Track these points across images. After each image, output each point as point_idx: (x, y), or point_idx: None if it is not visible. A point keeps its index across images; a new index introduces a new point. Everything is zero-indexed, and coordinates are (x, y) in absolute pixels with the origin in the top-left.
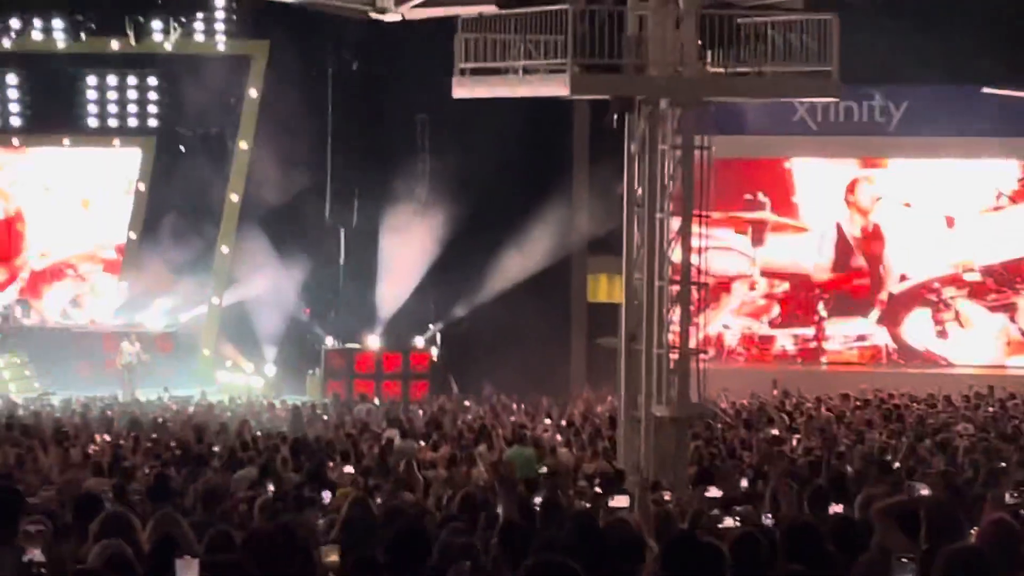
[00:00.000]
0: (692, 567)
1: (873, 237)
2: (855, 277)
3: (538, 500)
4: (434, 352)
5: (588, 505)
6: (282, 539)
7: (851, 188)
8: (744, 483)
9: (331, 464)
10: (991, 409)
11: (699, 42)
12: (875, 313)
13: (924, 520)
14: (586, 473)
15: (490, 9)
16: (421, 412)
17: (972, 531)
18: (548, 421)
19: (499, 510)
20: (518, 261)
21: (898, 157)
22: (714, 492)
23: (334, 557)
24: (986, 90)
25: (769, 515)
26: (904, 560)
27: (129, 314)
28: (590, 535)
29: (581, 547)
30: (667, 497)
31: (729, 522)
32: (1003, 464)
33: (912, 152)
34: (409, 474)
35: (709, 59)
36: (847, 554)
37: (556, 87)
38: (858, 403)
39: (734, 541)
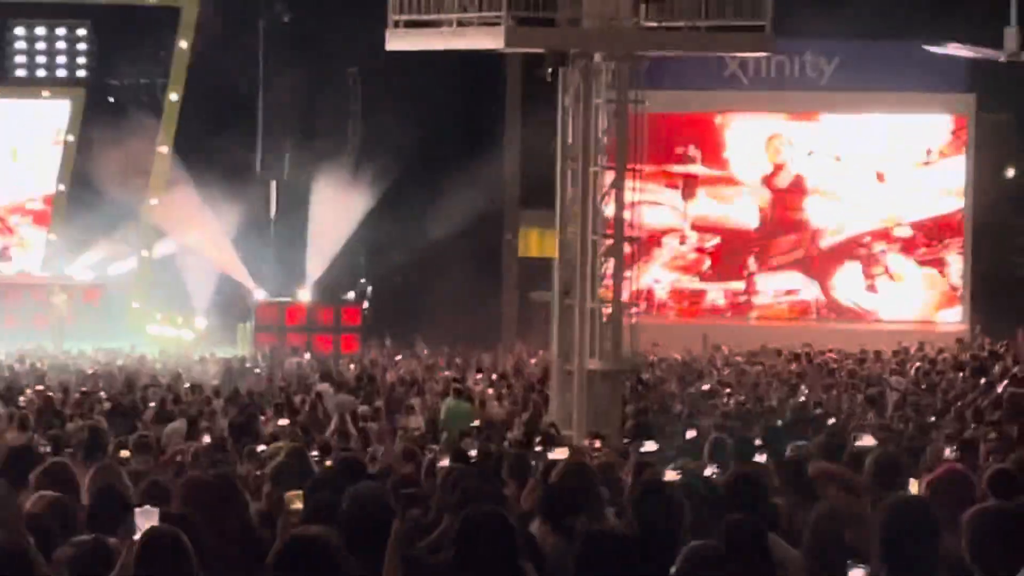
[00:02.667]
0: (660, 514)
1: (800, 192)
2: (785, 231)
3: (473, 452)
4: (365, 306)
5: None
6: (219, 489)
7: (767, 144)
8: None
9: (264, 417)
10: (919, 364)
11: None
12: (805, 267)
13: (869, 471)
14: (523, 425)
15: None
16: (352, 366)
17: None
18: (480, 375)
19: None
20: (450, 215)
21: (829, 112)
22: (650, 446)
23: (298, 504)
24: (934, 49)
25: (716, 467)
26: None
27: (57, 266)
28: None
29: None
30: (598, 447)
31: (671, 475)
32: (932, 419)
33: (843, 107)
34: (344, 427)
35: (643, 13)
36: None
37: (490, 40)
38: (789, 357)
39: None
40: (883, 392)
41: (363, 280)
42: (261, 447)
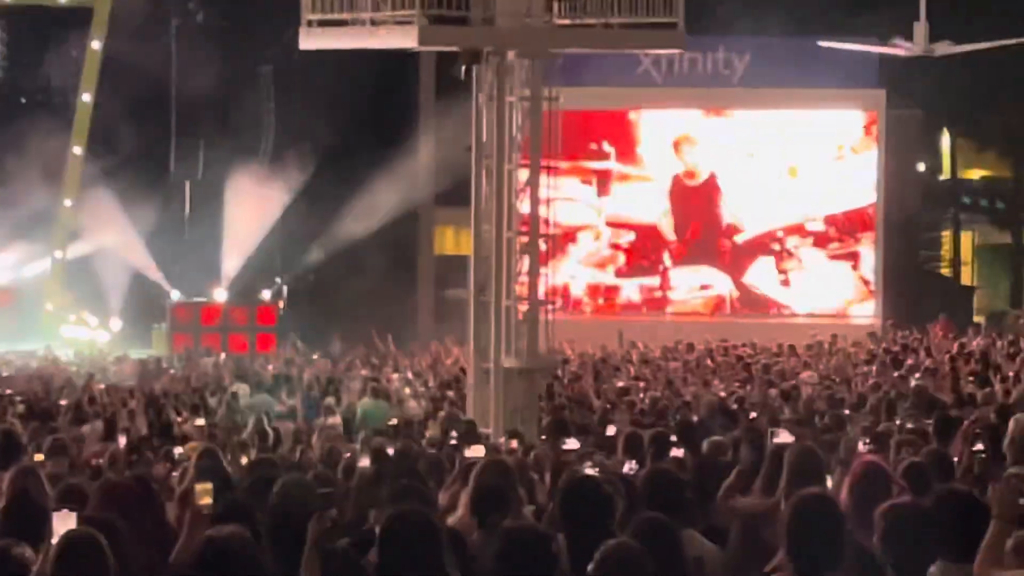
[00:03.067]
0: (588, 510)
1: (714, 188)
2: (699, 227)
3: (391, 450)
4: (281, 305)
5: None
6: (136, 491)
7: (676, 147)
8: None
9: (180, 418)
10: (833, 358)
11: None
12: (719, 262)
13: (787, 466)
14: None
15: None
16: (270, 367)
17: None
18: (396, 374)
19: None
20: (365, 213)
21: (742, 108)
22: (572, 444)
23: (207, 499)
24: (823, 43)
25: (634, 463)
26: None
27: None
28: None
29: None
30: (514, 446)
31: (589, 471)
32: (847, 412)
33: (756, 103)
34: (260, 427)
35: (556, 11)
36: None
37: (404, 39)
38: (704, 353)
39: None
40: (797, 386)
41: (279, 279)
42: (177, 448)
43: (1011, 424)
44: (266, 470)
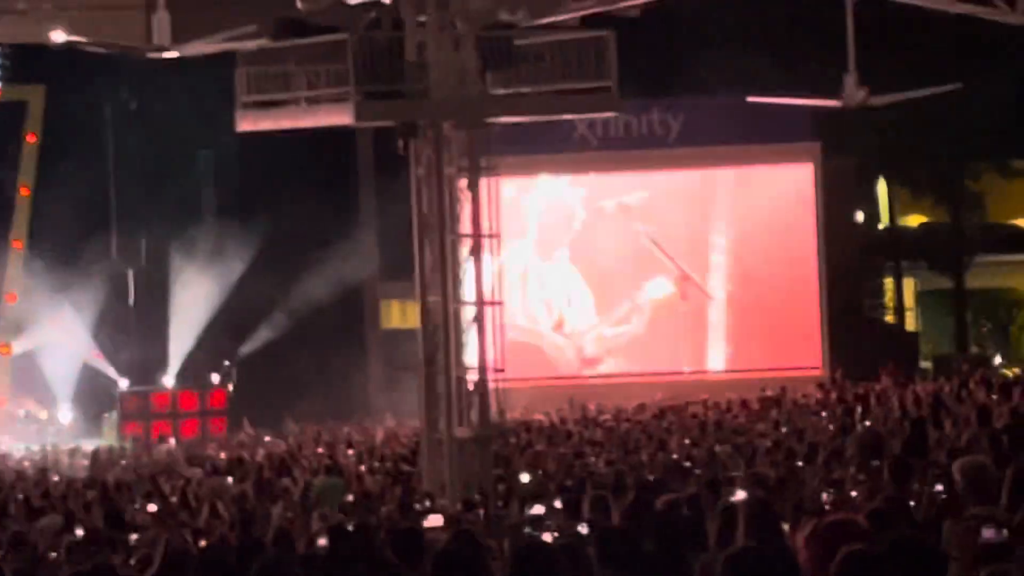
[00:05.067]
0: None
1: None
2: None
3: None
4: (231, 388)
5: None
6: None
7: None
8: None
9: (136, 505)
10: (784, 410)
11: (479, 64)
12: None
13: (743, 520)
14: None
15: (267, 42)
16: (222, 452)
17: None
18: (351, 450)
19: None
20: (311, 292)
21: (679, 168)
22: (538, 510)
23: None
24: (752, 99)
25: (585, 524)
26: None
27: None
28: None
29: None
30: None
31: (547, 536)
32: (800, 463)
33: (692, 162)
34: (216, 511)
35: (490, 80)
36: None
37: (341, 116)
38: (656, 412)
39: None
40: (751, 441)
41: (227, 362)
42: (133, 536)
43: (958, 464)
44: (222, 553)
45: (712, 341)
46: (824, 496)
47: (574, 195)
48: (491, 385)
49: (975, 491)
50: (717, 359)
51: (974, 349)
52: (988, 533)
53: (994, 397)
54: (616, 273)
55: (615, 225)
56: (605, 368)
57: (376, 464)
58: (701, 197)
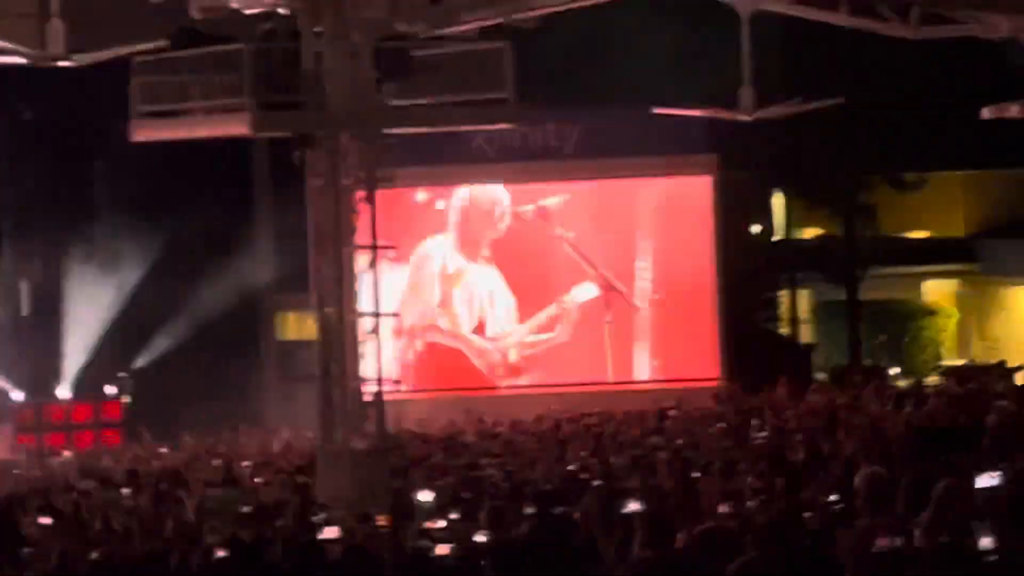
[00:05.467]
0: None
1: (552, 258)
2: (539, 299)
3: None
4: (126, 399)
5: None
6: None
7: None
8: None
9: (29, 518)
10: (680, 422)
11: (376, 75)
12: (560, 333)
13: (639, 532)
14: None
15: (164, 51)
16: (117, 464)
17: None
18: (246, 462)
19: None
20: (207, 303)
21: (577, 179)
22: (440, 523)
23: None
24: (654, 111)
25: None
26: None
27: None
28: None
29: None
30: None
31: (442, 549)
32: (697, 474)
33: (590, 174)
34: (110, 523)
35: (387, 91)
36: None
37: (236, 126)
38: (552, 423)
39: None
40: (647, 452)
41: (122, 373)
42: (26, 549)
43: (858, 478)
44: (114, 565)
45: (609, 353)
46: (721, 507)
47: (496, 198)
48: (387, 397)
49: (875, 501)
50: (612, 371)
51: (868, 361)
52: (883, 541)
53: (888, 408)
54: (540, 278)
55: (537, 230)
56: (524, 379)
57: (272, 476)
58: (599, 208)
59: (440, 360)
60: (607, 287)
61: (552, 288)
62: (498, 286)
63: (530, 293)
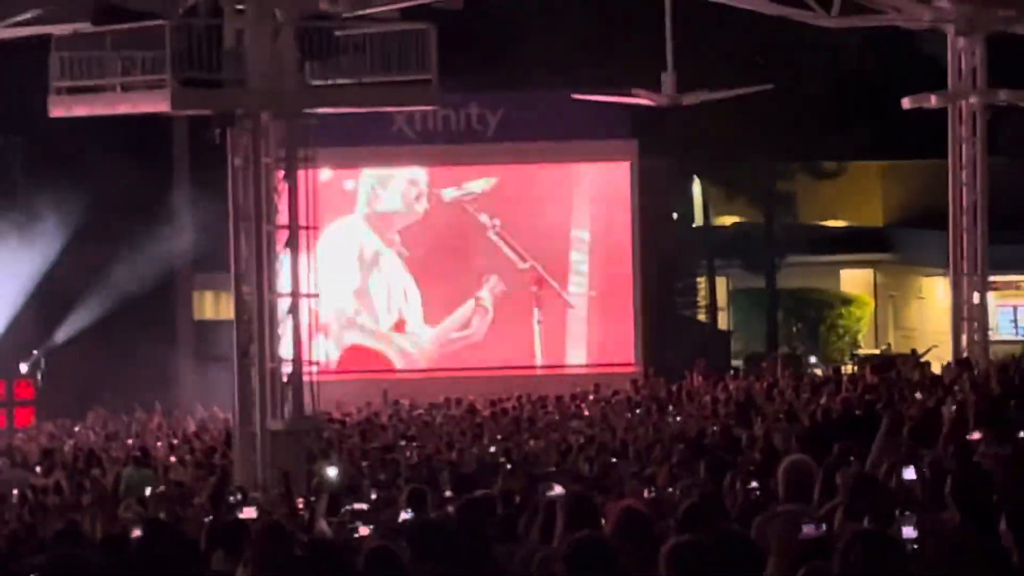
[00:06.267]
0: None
1: (475, 241)
2: (459, 282)
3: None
4: (39, 378)
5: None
6: None
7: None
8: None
9: None
10: (598, 406)
11: (298, 54)
12: (480, 318)
13: (561, 514)
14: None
15: (84, 27)
16: (31, 443)
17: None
18: (160, 442)
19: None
20: (123, 281)
21: (498, 163)
22: (360, 505)
23: None
24: (576, 96)
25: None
26: None
27: None
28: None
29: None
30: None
31: (364, 530)
32: (615, 459)
33: (511, 158)
34: (21, 502)
35: (309, 71)
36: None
37: (156, 103)
38: (469, 407)
39: (370, 552)
40: (565, 437)
41: (35, 352)
42: None
43: (784, 464)
44: (17, 544)
45: (535, 337)
46: (641, 492)
47: (413, 181)
48: (305, 378)
49: (797, 489)
50: (536, 356)
51: (785, 348)
52: (807, 529)
53: (805, 396)
54: (459, 267)
55: (458, 215)
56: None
57: (187, 456)
58: (520, 192)
59: (361, 359)
60: (537, 280)
61: (471, 278)
62: (410, 279)
63: (447, 284)
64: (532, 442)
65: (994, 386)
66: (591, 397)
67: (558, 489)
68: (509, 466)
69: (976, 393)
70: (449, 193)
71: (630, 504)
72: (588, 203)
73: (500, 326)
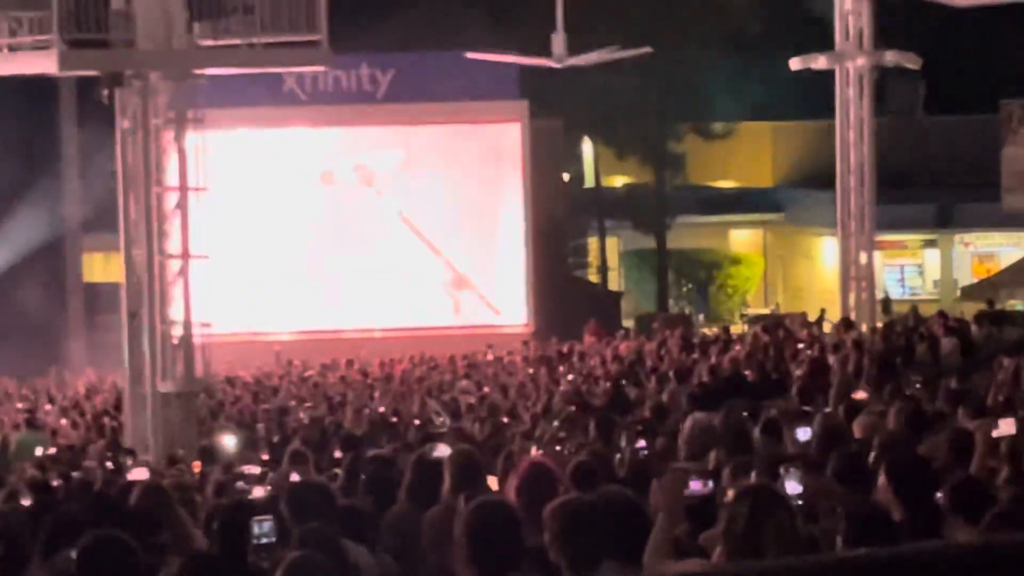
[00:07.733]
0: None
1: (362, 206)
2: (349, 246)
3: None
4: None
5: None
6: None
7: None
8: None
9: None
10: (489, 367)
11: (187, 14)
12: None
13: (449, 472)
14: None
15: None
16: None
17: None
18: (51, 406)
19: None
20: (10, 244)
21: (388, 125)
22: (253, 469)
23: None
24: (469, 55)
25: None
26: None
27: None
28: None
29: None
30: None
31: (259, 491)
32: (505, 419)
33: (401, 119)
34: None
35: (198, 31)
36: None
37: (43, 64)
38: (362, 369)
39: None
40: (455, 398)
41: None
42: None
43: (688, 422)
44: None
45: (422, 296)
46: (531, 451)
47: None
48: (196, 340)
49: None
50: (422, 316)
51: (675, 308)
52: (695, 485)
53: (694, 356)
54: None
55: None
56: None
57: (78, 419)
58: (410, 154)
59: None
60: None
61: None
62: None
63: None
64: (424, 403)
65: (879, 345)
66: (483, 357)
67: (444, 449)
68: (402, 428)
69: (860, 352)
70: (350, 169)
71: (537, 460)
72: (478, 164)
73: (394, 287)
